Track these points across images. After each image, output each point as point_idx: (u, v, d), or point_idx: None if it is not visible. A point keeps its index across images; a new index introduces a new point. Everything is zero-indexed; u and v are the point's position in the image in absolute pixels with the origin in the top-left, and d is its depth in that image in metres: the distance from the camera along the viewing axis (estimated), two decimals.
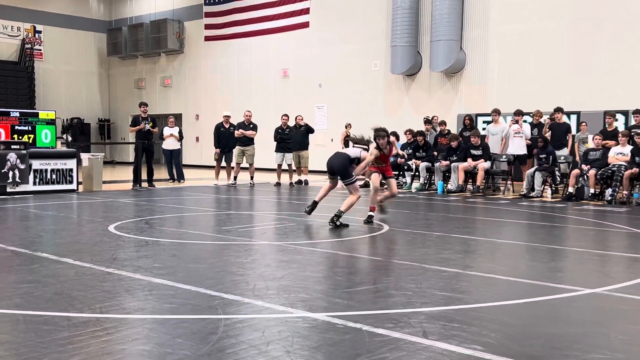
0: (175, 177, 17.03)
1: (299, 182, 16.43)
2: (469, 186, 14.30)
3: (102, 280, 4.97)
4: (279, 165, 16.38)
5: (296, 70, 22.71)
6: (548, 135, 13.80)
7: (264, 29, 23.56)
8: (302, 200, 12.87)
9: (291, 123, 16.65)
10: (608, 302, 4.54)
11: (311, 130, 16.53)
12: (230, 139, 16.04)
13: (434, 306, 4.24)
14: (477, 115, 17.03)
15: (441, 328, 3.73)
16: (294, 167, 16.47)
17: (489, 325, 3.82)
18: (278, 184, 16.11)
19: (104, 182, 14.90)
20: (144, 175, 15.21)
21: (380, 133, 9.00)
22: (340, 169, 8.60)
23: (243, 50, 24.38)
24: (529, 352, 3.31)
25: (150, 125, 15.14)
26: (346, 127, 18.52)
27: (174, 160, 17.20)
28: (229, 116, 16.51)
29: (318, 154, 20.22)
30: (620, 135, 12.67)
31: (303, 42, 22.42)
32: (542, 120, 14.29)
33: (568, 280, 5.28)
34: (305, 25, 22.30)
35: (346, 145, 18.69)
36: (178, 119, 25.40)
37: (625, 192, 11.94)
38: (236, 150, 16.09)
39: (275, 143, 16.41)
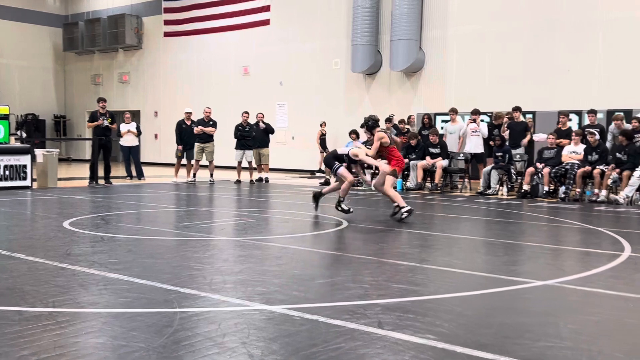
0: (134, 174, 16.79)
1: (260, 179, 16.38)
2: (428, 184, 14.48)
3: (55, 275, 4.88)
4: (239, 163, 16.30)
5: (257, 68, 22.63)
6: (506, 134, 14.06)
7: (225, 25, 23.42)
8: (262, 197, 12.85)
9: (252, 120, 16.59)
10: (559, 293, 4.66)
11: (271, 131, 16.50)
12: (192, 136, 15.90)
13: (390, 298, 4.29)
14: (436, 114, 17.25)
15: (396, 319, 3.78)
16: (254, 165, 16.42)
17: (443, 315, 3.88)
18: (238, 182, 16.03)
19: (60, 179, 14.60)
20: (101, 172, 14.96)
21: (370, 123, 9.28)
22: (325, 162, 9.44)
23: (203, 46, 24.18)
24: (480, 341, 3.37)
25: (108, 121, 14.89)
26: (321, 125, 18.55)
27: (132, 157, 16.95)
28: (190, 112, 16.35)
29: (279, 151, 20.25)
30: (573, 134, 12.99)
31: (264, 39, 22.36)
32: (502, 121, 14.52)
33: (522, 273, 5.40)
34: (265, 22, 22.25)
35: (322, 143, 18.68)
36: (136, 115, 25.05)
37: (578, 189, 12.25)
38: (196, 147, 15.96)
39: (236, 140, 16.33)
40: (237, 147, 16.28)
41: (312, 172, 19.87)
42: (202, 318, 3.77)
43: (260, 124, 16.24)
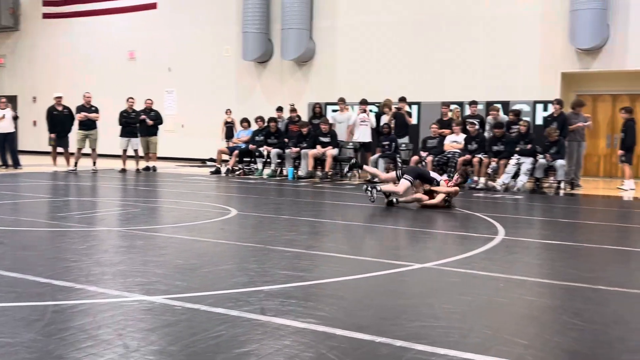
0: (10, 162, 15.81)
1: (147, 168, 15.91)
2: (318, 172, 14.65)
3: None
4: (124, 151, 15.74)
5: (144, 53, 21.90)
6: (392, 123, 14.45)
7: (109, 8, 22.47)
8: (149, 187, 12.49)
9: (138, 107, 16.06)
10: (436, 275, 4.85)
11: (160, 121, 16.03)
12: (66, 123, 15.15)
13: (274, 285, 4.29)
14: (327, 103, 17.46)
15: (279, 305, 3.78)
16: (141, 153, 15.92)
17: (325, 300, 3.94)
18: (123, 170, 15.48)
19: None
20: None
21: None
22: (406, 171, 9.67)
23: (86, 30, 23.08)
24: (358, 323, 3.45)
25: None
26: (226, 112, 18.09)
27: (7, 144, 15.94)
28: (60, 97, 15.59)
29: (167, 140, 19.71)
30: (454, 124, 13.58)
31: (151, 23, 21.67)
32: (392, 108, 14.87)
33: (402, 257, 5.57)
34: (152, 6, 21.56)
35: (229, 132, 18.10)
36: (13, 101, 23.54)
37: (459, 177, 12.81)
38: (78, 135, 15.25)
39: (120, 127, 15.75)
40: (122, 134, 15.71)
41: (203, 161, 19.55)
42: (76, 311, 3.60)
43: (148, 120, 15.71)
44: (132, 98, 15.91)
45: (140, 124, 15.77)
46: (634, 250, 6.19)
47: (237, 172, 15.30)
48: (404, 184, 9.21)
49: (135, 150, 15.77)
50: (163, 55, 21.40)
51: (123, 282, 4.32)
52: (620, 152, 13.08)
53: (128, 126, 15.64)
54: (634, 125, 13.01)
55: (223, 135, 17.85)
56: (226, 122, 18.04)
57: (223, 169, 15.58)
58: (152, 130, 15.89)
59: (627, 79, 15.84)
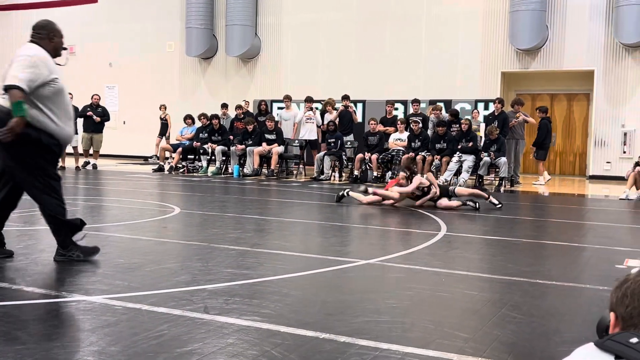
0: None
1: (86, 163, 15.52)
2: (264, 170, 14.59)
3: None
4: None
5: (84, 48, 21.34)
6: (337, 120, 14.53)
7: (49, 1, 21.81)
8: (90, 184, 12.20)
9: (79, 103, 15.62)
10: (380, 271, 4.90)
11: (107, 118, 15.64)
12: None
13: (218, 283, 4.25)
14: (272, 101, 17.41)
15: (223, 303, 3.75)
16: (80, 150, 15.52)
17: (270, 297, 3.93)
18: (62, 168, 15.04)
19: None
20: None
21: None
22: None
23: (25, 23, 22.27)
24: (303, 320, 3.45)
25: None
26: (160, 108, 17.74)
27: None
28: None
29: (109, 136, 19.24)
30: (399, 122, 13.75)
31: (91, 18, 21.14)
32: (336, 107, 14.94)
33: (347, 253, 5.61)
34: (93, 0, 21.04)
35: (163, 128, 17.72)
36: None
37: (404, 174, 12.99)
38: None
39: None
40: None
41: (145, 159, 19.20)
42: (13, 312, 3.48)
43: (95, 117, 15.32)
44: (70, 94, 15.40)
45: (85, 119, 15.36)
46: (569, 245, 6.41)
47: (181, 170, 15.10)
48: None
49: (75, 147, 15.35)
50: (104, 50, 20.91)
51: (62, 282, 4.21)
52: (533, 148, 13.83)
53: None
54: (548, 125, 13.65)
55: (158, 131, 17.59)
56: (161, 118, 17.75)
57: (166, 167, 15.35)
58: (98, 127, 15.48)
59: (564, 78, 16.37)
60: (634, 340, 1.40)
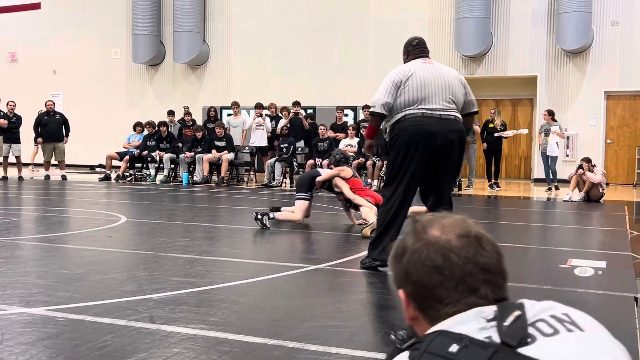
0: None
1: (47, 177, 14.97)
2: (214, 177, 14.45)
3: None
4: (5, 158, 14.81)
5: (26, 54, 20.80)
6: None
7: None
8: (34, 194, 11.84)
9: (20, 111, 15.17)
10: (331, 275, 4.89)
11: (67, 126, 15.14)
12: None
13: (164, 292, 4.17)
14: (222, 107, 17.29)
15: (169, 312, 3.68)
16: (39, 160, 15.01)
17: (218, 305, 3.87)
18: (4, 178, 14.57)
19: None
20: None
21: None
22: (299, 184, 7.84)
23: None
24: (251, 327, 3.41)
25: None
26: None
27: None
28: None
29: None
30: (350, 128, 13.83)
31: (35, 24, 20.62)
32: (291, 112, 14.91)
33: (297, 259, 5.59)
34: (36, 6, 20.54)
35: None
36: None
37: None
38: None
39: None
40: (4, 140, 14.79)
41: (92, 167, 18.79)
42: None
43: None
44: (12, 102, 15.00)
45: (42, 127, 14.86)
46: (515, 246, 6.53)
47: (128, 178, 14.82)
48: (301, 206, 7.62)
49: (17, 157, 14.88)
50: (47, 57, 20.41)
51: (1, 294, 4.05)
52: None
53: (9, 131, 14.71)
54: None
55: None
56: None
57: (113, 175, 15.03)
58: (58, 136, 14.97)
59: (509, 84, 16.77)
60: (454, 348, 1.07)
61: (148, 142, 15.07)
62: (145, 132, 15.45)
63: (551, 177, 13.21)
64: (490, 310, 1.15)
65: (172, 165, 14.75)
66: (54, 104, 15.31)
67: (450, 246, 1.21)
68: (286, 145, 13.94)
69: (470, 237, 1.24)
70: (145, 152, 14.89)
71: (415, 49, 5.07)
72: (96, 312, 3.65)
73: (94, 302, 3.88)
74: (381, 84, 4.90)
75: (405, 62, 5.04)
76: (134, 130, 15.93)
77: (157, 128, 15.07)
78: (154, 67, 19.23)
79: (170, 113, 16.02)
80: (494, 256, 1.24)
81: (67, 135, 15.05)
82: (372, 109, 4.93)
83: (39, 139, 14.90)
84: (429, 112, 4.73)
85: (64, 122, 15.09)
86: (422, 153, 4.70)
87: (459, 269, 1.19)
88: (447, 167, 4.84)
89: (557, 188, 12.88)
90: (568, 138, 15.41)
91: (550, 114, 13.32)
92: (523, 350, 1.04)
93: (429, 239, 1.23)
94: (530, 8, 15.76)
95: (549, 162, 13.20)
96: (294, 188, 13.35)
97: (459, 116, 4.90)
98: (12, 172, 14.95)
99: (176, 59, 18.32)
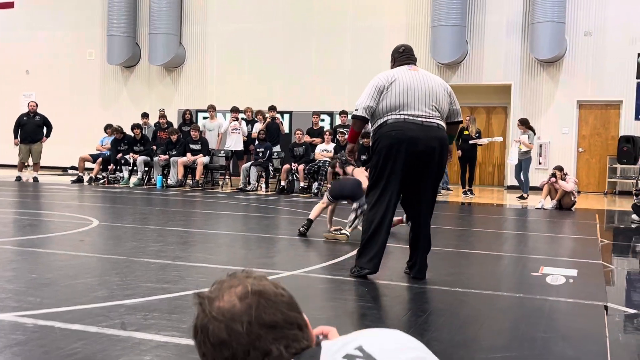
0: None
1: (19, 178, 14.70)
2: (189, 180, 14.35)
3: None
4: None
5: None
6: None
7: None
8: (3, 196, 11.63)
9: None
10: (306, 282, 4.88)
11: (49, 127, 14.86)
12: None
13: (136, 298, 4.12)
14: (198, 110, 17.18)
15: (141, 319, 3.63)
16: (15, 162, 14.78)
17: (191, 311, 3.78)
18: None
19: None
20: None
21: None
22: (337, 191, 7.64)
23: None
24: None
25: None
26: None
27: None
28: None
29: None
30: (326, 133, 13.84)
31: (8, 23, 20.32)
32: (266, 116, 14.83)
33: (272, 265, 5.56)
34: (9, 5, 20.24)
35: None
36: None
37: (329, 185, 13.06)
38: None
39: None
40: None
41: (64, 169, 18.53)
42: None
43: (34, 111, 14.58)
44: None
45: (21, 128, 14.58)
46: (487, 254, 6.59)
47: (101, 181, 14.65)
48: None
49: None
50: (20, 57, 20.10)
51: None
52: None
53: None
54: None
55: None
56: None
57: (86, 178, 14.84)
58: (35, 137, 14.69)
59: (483, 92, 16.94)
60: None
61: (118, 147, 14.71)
62: (113, 137, 15.14)
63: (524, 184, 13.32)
64: None
65: (146, 168, 14.60)
66: (36, 105, 15.03)
67: (233, 314, 1.19)
68: (262, 149, 13.90)
69: (249, 298, 1.21)
70: (120, 155, 14.59)
71: (402, 56, 5.09)
72: (67, 318, 3.59)
73: (64, 308, 3.82)
74: (365, 88, 4.92)
75: (391, 69, 5.07)
76: (105, 132, 15.73)
77: (123, 133, 14.70)
78: (129, 69, 19.06)
79: (145, 115, 15.88)
80: (281, 308, 1.22)
81: (47, 136, 14.81)
82: (354, 112, 4.94)
83: (15, 140, 14.66)
84: (411, 117, 4.74)
85: (45, 123, 14.83)
86: (404, 158, 4.70)
87: (245, 338, 1.18)
88: (428, 174, 4.84)
89: (523, 197, 12.87)
90: (541, 146, 15.61)
91: (524, 122, 13.44)
92: None
93: (214, 314, 1.21)
94: (505, 18, 15.95)
95: (521, 169, 13.33)
96: (268, 192, 13.32)
97: (442, 124, 4.92)
98: None
99: (152, 61, 18.18)
